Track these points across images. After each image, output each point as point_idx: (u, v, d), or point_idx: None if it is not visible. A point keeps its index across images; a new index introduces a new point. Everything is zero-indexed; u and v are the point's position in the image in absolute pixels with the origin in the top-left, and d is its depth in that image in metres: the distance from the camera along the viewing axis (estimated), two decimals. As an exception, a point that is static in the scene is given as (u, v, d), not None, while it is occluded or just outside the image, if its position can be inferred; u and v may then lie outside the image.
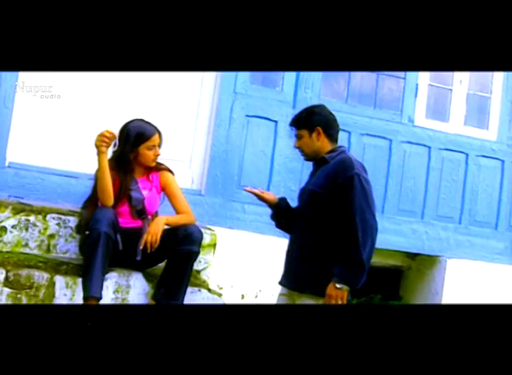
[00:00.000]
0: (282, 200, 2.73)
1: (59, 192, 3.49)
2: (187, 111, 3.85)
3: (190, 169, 3.84)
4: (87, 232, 2.79)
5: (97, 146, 2.76)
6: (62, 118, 3.61)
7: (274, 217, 2.74)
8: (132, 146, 2.90)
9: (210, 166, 3.80)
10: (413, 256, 4.43)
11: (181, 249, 2.85)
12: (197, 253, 2.90)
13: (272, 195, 2.73)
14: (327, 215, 2.47)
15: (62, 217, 3.17)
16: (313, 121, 2.56)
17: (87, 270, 2.74)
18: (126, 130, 2.93)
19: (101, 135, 2.75)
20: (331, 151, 2.57)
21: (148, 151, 2.93)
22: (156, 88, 3.77)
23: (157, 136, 2.96)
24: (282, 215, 2.69)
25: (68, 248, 3.17)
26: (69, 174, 3.54)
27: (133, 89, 3.71)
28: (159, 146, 3.00)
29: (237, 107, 3.86)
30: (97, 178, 2.84)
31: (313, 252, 2.48)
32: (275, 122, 3.94)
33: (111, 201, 2.84)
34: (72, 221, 3.17)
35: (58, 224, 3.16)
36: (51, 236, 3.15)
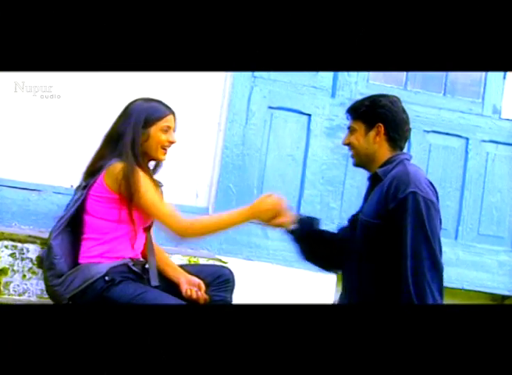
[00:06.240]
0: (308, 221, 2.70)
1: (14, 211, 3.49)
2: (190, 102, 3.79)
3: (194, 179, 3.83)
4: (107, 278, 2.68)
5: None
6: (20, 114, 3.60)
7: (299, 244, 2.70)
8: (141, 127, 2.73)
9: (220, 175, 3.79)
10: (501, 299, 4.31)
11: (212, 296, 2.84)
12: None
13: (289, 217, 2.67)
14: (388, 252, 2.41)
15: (19, 245, 3.16)
16: (376, 114, 2.50)
17: None
18: (129, 109, 2.78)
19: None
20: (386, 163, 2.50)
21: (162, 135, 2.75)
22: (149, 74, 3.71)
23: (171, 117, 2.80)
24: (307, 241, 2.67)
25: (25, 287, 3.13)
26: (29, 186, 3.54)
27: (118, 76, 3.68)
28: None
29: (257, 96, 3.85)
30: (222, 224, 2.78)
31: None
32: (309, 116, 3.89)
33: None
34: (33, 251, 3.14)
35: (12, 255, 3.14)
36: (3, 271, 3.12)
